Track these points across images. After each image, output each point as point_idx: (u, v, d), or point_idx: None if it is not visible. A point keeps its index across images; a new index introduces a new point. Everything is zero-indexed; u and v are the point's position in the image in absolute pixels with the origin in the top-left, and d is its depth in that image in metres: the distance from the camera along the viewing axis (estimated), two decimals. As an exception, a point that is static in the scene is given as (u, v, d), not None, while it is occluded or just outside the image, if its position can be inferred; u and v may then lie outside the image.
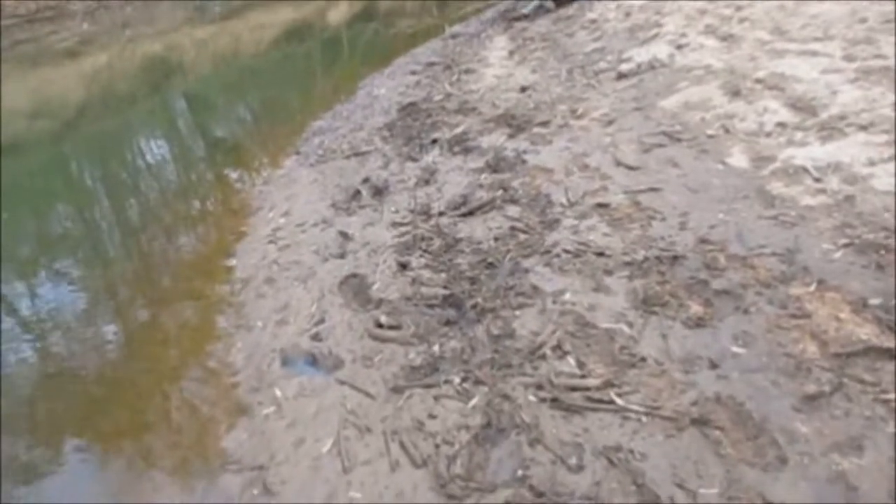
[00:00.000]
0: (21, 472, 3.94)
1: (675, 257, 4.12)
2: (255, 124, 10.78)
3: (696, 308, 3.72)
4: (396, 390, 3.61)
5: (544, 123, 6.37)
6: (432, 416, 3.40)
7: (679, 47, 7.15)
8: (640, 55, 7.24)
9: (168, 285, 5.72)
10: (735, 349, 3.40)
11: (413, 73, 9.42)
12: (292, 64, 13.97)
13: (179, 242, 6.58)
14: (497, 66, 8.62)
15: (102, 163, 10.11)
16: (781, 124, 5.20)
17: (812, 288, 3.64)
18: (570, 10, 10.10)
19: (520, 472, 3.02)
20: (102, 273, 6.26)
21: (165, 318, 5.13)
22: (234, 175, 8.05)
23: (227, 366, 4.28)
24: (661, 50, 7.22)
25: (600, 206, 4.83)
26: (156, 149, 10.63)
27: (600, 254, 4.31)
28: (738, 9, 7.69)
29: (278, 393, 3.87)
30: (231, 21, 17.53)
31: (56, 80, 14.19)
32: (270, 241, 5.53)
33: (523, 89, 7.43)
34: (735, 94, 5.82)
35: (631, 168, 5.21)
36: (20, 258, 6.90)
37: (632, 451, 3.01)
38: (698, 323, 3.61)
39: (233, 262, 5.47)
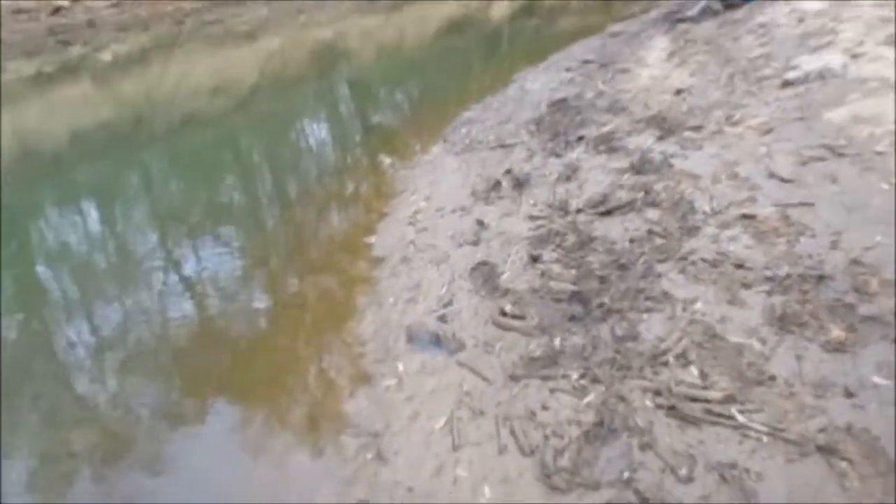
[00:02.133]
0: (171, 419, 4.31)
1: (822, 277, 3.89)
2: (410, 112, 11.12)
3: (837, 332, 3.50)
4: (513, 378, 3.66)
5: (696, 128, 6.16)
6: (545, 408, 3.43)
7: (854, 57, 6.67)
8: (810, 63, 6.82)
9: (313, 258, 6.05)
10: (876, 380, 3.18)
11: (568, 69, 9.36)
12: (451, 56, 14.24)
13: (328, 218, 6.94)
14: (654, 66, 8.41)
15: (268, 140, 10.79)
16: (962, 146, 4.76)
17: (974, 324, 3.34)
18: (737, 13, 9.65)
19: (626, 475, 2.99)
20: (257, 241, 6.72)
21: (308, 288, 5.44)
22: (383, 159, 8.37)
23: (357, 337, 4.50)
24: (833, 59, 6.76)
25: (746, 217, 4.63)
26: (316, 130, 11.24)
27: (740, 266, 4.14)
28: (928, 19, 7.07)
29: (401, 367, 4.03)
30: (397, 12, 18.10)
31: (235, 61, 15.23)
32: (410, 223, 5.72)
33: (678, 92, 7.21)
34: (913, 110, 5.38)
35: (784, 180, 4.94)
36: (189, 222, 7.51)
37: (747, 471, 2.90)
38: (838, 348, 3.40)
39: (373, 240, 5.72)
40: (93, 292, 6.22)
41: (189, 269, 6.31)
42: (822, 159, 5.10)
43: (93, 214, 8.54)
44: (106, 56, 15.32)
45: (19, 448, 4.19)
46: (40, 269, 7.19)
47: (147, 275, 6.32)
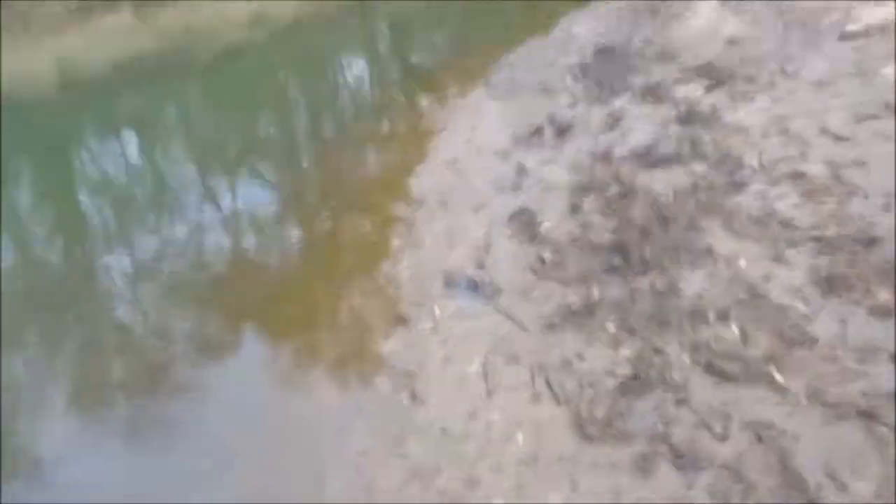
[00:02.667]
0: (204, 346, 4.40)
1: (872, 239, 3.78)
2: (451, 52, 10.91)
3: (885, 296, 3.41)
4: (550, 327, 3.66)
5: (749, 79, 5.96)
6: (581, 358, 3.42)
7: (921, 10, 6.38)
8: (871, 15, 6.52)
9: (351, 197, 6.02)
10: (922, 346, 3.11)
11: (617, 14, 9.07)
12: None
13: (366, 158, 6.89)
14: (708, 13, 8.10)
15: (307, 76, 10.71)
16: None
17: None
18: (799, -40, 9.24)
19: (660, 428, 2.99)
20: (294, 179, 6.73)
21: (345, 227, 5.45)
22: (423, 100, 8.25)
23: (394, 278, 4.52)
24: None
25: (795, 174, 4.50)
26: (355, 68, 11.10)
27: (786, 224, 4.04)
28: None
29: (437, 311, 4.05)
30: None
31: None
32: (449, 166, 5.67)
33: (731, 41, 6.96)
34: (979, 68, 5.15)
35: (838, 138, 4.78)
36: (226, 156, 7.54)
37: (784, 431, 2.87)
38: (885, 312, 3.32)
39: (412, 181, 5.68)
40: (131, 222, 6.30)
41: (227, 203, 6.35)
42: (877, 117, 4.91)
43: (132, 145, 8.61)
44: (147, -14, 15.17)
45: (59, 373, 4.31)
46: (81, 197, 7.29)
47: (185, 207, 6.39)
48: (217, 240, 5.67)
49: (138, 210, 6.57)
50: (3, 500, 3.35)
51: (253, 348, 4.39)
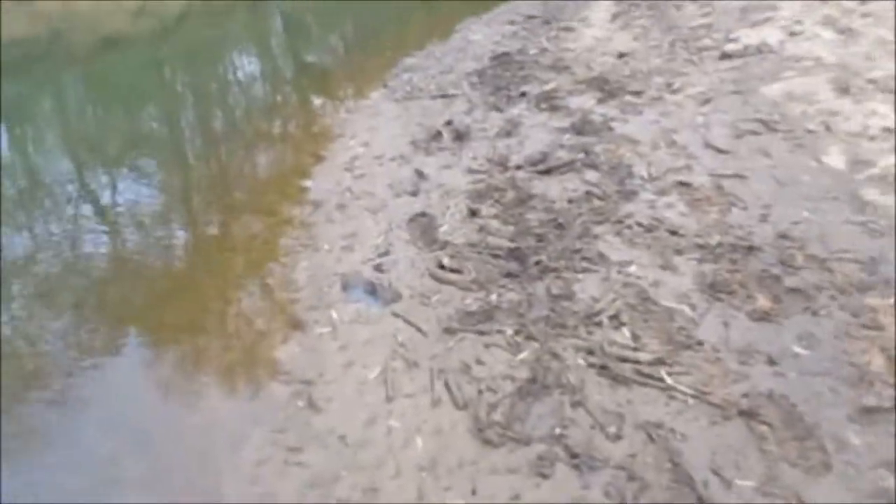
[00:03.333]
0: (83, 352, 4.14)
1: (751, 248, 4.01)
2: (348, 53, 10.82)
3: (763, 302, 3.63)
4: (449, 331, 3.66)
5: (637, 93, 6.21)
6: (480, 363, 3.44)
7: (792, 34, 6.84)
8: (749, 37, 6.96)
9: (243, 198, 5.85)
10: (797, 349, 3.32)
11: (511, 23, 9.26)
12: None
13: (258, 158, 6.71)
14: (598, 27, 8.41)
15: (194, 69, 10.33)
16: (888, 129, 4.95)
17: (890, 301, 3.51)
18: (682, -20, 9.73)
19: (557, 431, 3.04)
20: (181, 177, 6.46)
21: (237, 229, 5.27)
22: (319, 100, 8.13)
23: (290, 282, 4.40)
24: (771, 34, 6.92)
25: (681, 184, 4.72)
26: (247, 64, 10.81)
27: (673, 232, 4.23)
28: (863, 2, 7.29)
29: (335, 315, 3.97)
30: (338, -53, 17.45)
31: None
32: (347, 169, 5.60)
33: (621, 55, 7.24)
34: (843, 91, 5.56)
35: (720, 151, 5.06)
36: (108, 152, 7.16)
37: (673, 431, 2.99)
38: (763, 317, 3.53)
39: (308, 183, 5.58)
40: (5, 221, 5.86)
41: (105, 200, 6.03)
42: (755, 133, 5.24)
43: (3, 137, 8.02)
44: (21, -33, 14.24)
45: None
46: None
47: (60, 204, 6.01)
48: (96, 239, 5.35)
49: (9, 207, 6.12)
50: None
51: (137, 355, 4.16)
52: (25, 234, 5.54)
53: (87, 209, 5.85)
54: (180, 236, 5.43)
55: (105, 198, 6.06)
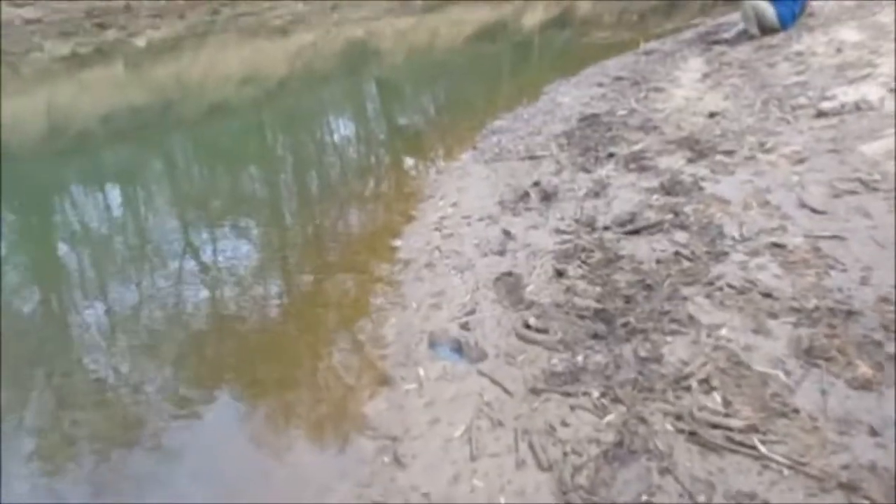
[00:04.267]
0: (180, 404, 4.32)
1: (850, 312, 3.86)
2: (438, 116, 11.15)
3: (864, 369, 3.47)
4: (534, 392, 3.66)
5: (729, 153, 6.14)
6: (565, 424, 3.42)
7: (891, 90, 6.63)
8: (846, 94, 6.79)
9: (336, 256, 6.05)
10: (902, 420, 3.15)
11: (600, 84, 9.36)
12: (482, 62, 14.27)
13: (352, 218, 6.95)
14: (688, 87, 8.38)
15: (293, 134, 10.86)
16: None
17: None
18: (774, 39, 9.61)
19: (644, 498, 2.98)
20: (278, 236, 6.75)
21: (329, 286, 5.45)
22: (410, 161, 8.39)
23: (378, 339, 4.51)
24: (870, 91, 6.73)
25: (775, 245, 4.61)
26: (343, 127, 11.29)
27: (767, 295, 4.12)
28: (970, 58, 7.02)
29: (421, 372, 4.04)
30: (430, 15, 18.16)
31: (266, 53, 15.35)
32: (436, 229, 5.73)
33: (712, 115, 7.19)
34: (949, 149, 5.34)
35: (816, 211, 4.92)
36: (210, 211, 7.56)
37: (767, 502, 2.88)
38: (864, 385, 3.37)
39: (398, 243, 5.73)
40: (111, 275, 6.26)
41: (207, 257, 6.34)
42: (854, 192, 5.07)
43: (116, 196, 8.62)
44: (140, 41, 15.48)
45: (26, 429, 4.21)
46: (60, 247, 7.26)
47: (165, 261, 6.36)
48: (197, 296, 5.63)
49: (118, 263, 6.53)
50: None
51: (230, 408, 4.32)
52: (131, 290, 5.86)
53: (189, 266, 6.17)
54: (275, 293, 5.64)
55: (206, 255, 6.38)
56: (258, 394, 4.36)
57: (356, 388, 4.15)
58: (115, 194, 8.68)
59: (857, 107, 6.47)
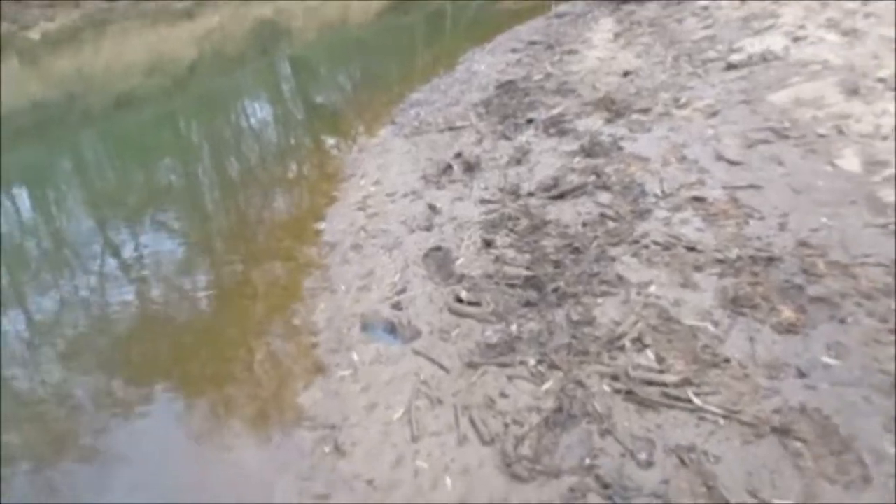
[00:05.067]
0: (112, 409, 4.15)
1: (771, 259, 3.95)
2: (354, 92, 10.94)
3: (788, 313, 3.56)
4: (471, 366, 3.63)
5: (644, 111, 6.20)
6: (504, 396, 3.40)
7: (795, 40, 6.81)
8: (753, 46, 6.94)
9: (260, 243, 5.88)
10: (826, 360, 3.25)
11: (514, 50, 9.33)
12: (395, 35, 14.06)
13: (273, 203, 6.76)
14: (601, 48, 8.44)
15: (208, 120, 10.49)
16: (901, 128, 4.89)
17: (918, 303, 3.44)
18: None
19: (587, 461, 2.99)
20: (199, 226, 6.52)
21: (255, 275, 5.29)
22: (329, 141, 8.20)
23: (309, 326, 4.40)
24: (775, 42, 6.90)
25: (696, 199, 4.68)
26: (258, 110, 10.98)
27: (691, 248, 4.18)
28: (864, 2, 7.25)
29: (355, 357, 3.96)
30: (340, -11, 17.73)
31: (171, 39, 14.74)
32: (360, 209, 5.62)
33: (626, 74, 7.25)
34: (853, 92, 5.51)
35: (732, 163, 5.02)
36: (127, 206, 7.24)
37: (705, 453, 2.93)
38: (789, 329, 3.47)
39: (322, 225, 5.60)
40: (27, 282, 5.94)
41: (128, 254, 6.08)
42: (767, 142, 5.19)
43: (26, 198, 8.18)
44: (34, 34, 14.64)
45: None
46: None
47: (84, 261, 6.09)
48: (120, 294, 5.40)
49: (34, 267, 6.20)
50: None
51: (164, 408, 4.16)
52: (52, 293, 5.58)
53: (110, 265, 5.92)
54: (201, 286, 5.45)
55: (128, 252, 6.11)
56: (192, 391, 4.22)
57: (290, 379, 4.04)
58: (23, 196, 8.22)
59: (764, 58, 6.62)
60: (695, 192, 4.76)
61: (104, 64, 13.39)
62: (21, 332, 5.10)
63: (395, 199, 5.60)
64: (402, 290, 4.40)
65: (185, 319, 5.04)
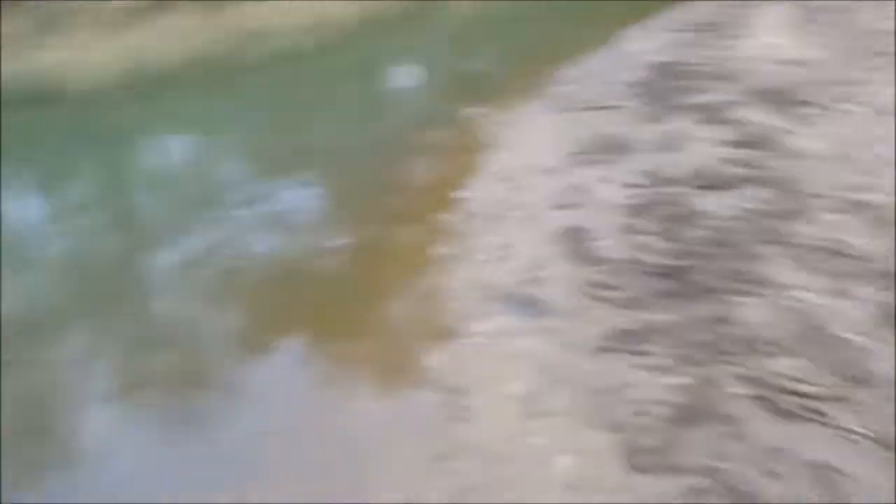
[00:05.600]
0: (247, 348, 4.39)
1: (941, 277, 3.65)
2: (505, 63, 10.89)
3: (954, 336, 3.29)
4: (601, 350, 3.59)
5: (811, 103, 5.84)
6: (632, 385, 3.35)
7: None
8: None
9: (399, 206, 5.98)
10: None
11: (674, 30, 8.97)
12: (551, 8, 13.83)
13: (416, 167, 6.87)
14: (772, 34, 7.97)
15: (357, 81, 10.78)
16: None
17: None
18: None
19: (713, 463, 2.91)
20: (342, 184, 6.73)
21: (393, 236, 5.42)
22: (475, 110, 8.22)
23: (442, 290, 4.48)
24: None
25: (860, 204, 4.38)
26: (407, 75, 11.16)
27: (850, 256, 3.93)
28: None
29: (485, 326, 4.01)
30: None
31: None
32: (502, 181, 5.64)
33: (794, 63, 6.82)
34: None
35: (906, 168, 4.64)
36: (275, 161, 7.58)
37: (841, 472, 2.77)
38: (953, 353, 3.20)
39: (463, 194, 5.66)
40: (178, 221, 6.34)
41: (273, 206, 6.33)
42: (950, 148, 4.76)
43: (185, 141, 8.73)
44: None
45: (102, 368, 4.34)
46: (128, 192, 7.41)
47: (232, 207, 6.38)
48: (261, 242, 5.68)
49: (186, 208, 6.62)
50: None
51: (294, 353, 4.37)
52: (199, 236, 5.93)
53: (253, 213, 6.20)
54: (339, 242, 5.62)
55: (271, 203, 6.40)
56: (323, 341, 4.40)
57: (419, 340, 4.14)
58: (184, 139, 8.81)
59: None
60: (860, 196, 4.45)
61: (267, 19, 13.99)
62: (171, 268, 5.45)
63: (539, 175, 5.58)
64: (539, 266, 4.41)
65: (321, 273, 5.22)
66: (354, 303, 4.71)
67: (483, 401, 3.52)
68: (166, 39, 12.64)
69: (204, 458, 3.56)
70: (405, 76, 11.10)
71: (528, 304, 4.10)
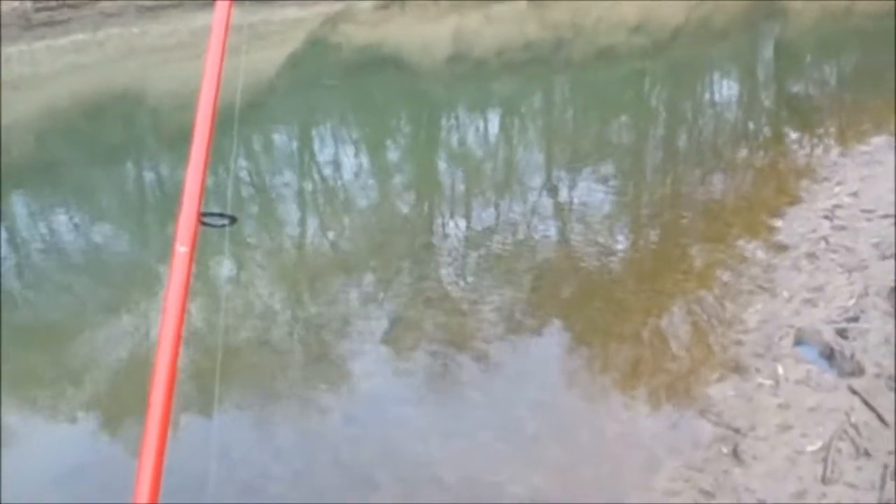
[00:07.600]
0: (515, 325, 4.41)
1: None
2: (842, 90, 9.88)
3: None
4: (915, 429, 3.13)
5: None
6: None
7: None
8: None
9: (702, 221, 5.70)
10: None
11: None
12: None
13: (725, 186, 6.48)
14: None
15: (674, 86, 10.45)
16: None
17: None
18: None
19: None
20: (636, 188, 6.55)
21: (691, 253, 5.17)
22: (800, 136, 7.55)
23: (738, 321, 4.19)
24: None
25: None
26: (727, 87, 10.59)
27: None
28: None
29: (780, 370, 3.69)
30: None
31: (664, 1, 14.78)
32: (826, 217, 5.13)
33: None
34: None
35: None
36: (576, 152, 7.59)
37: None
38: None
39: (777, 223, 5.24)
40: (474, 194, 6.57)
41: (565, 196, 6.35)
42: None
43: (494, 123, 9.07)
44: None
45: (386, 310, 4.61)
46: (434, 160, 7.82)
47: (525, 191, 6.49)
48: (549, 229, 5.71)
49: (481, 183, 6.85)
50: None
51: (562, 343, 4.35)
52: (490, 210, 6.11)
53: (545, 200, 6.26)
54: (627, 246, 5.50)
55: (562, 193, 6.42)
56: (595, 340, 4.32)
57: (704, 366, 3.91)
58: (494, 121, 9.18)
59: None
60: None
61: (595, 16, 14.05)
62: (457, 236, 5.66)
63: (872, 218, 4.97)
64: (854, 318, 3.94)
65: (602, 271, 5.13)
66: (637, 310, 4.57)
67: (767, 448, 3.24)
68: (494, 25, 13.25)
69: (469, 420, 3.68)
70: (722, 88, 10.54)
71: (834, 357, 3.69)
